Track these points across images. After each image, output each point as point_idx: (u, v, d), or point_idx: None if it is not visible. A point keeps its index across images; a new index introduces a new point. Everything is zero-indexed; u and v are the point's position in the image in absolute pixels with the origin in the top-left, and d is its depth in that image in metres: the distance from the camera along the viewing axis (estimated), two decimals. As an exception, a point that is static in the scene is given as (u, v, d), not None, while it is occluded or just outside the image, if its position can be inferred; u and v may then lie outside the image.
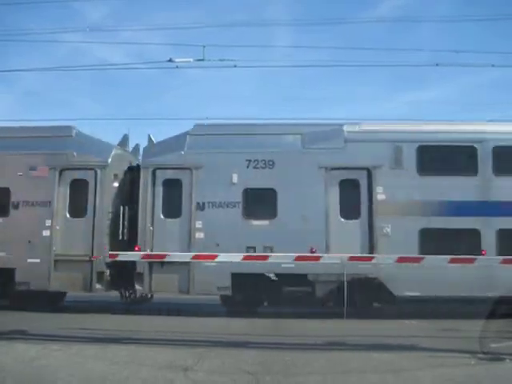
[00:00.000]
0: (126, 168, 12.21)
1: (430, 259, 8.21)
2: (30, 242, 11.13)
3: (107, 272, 11.16)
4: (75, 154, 11.54)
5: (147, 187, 11.31)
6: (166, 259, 9.89)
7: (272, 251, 9.78)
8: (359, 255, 9.59)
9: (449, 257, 7.52)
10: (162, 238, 11.08)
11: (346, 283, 10.00)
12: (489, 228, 10.65)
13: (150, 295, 12.24)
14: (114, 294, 12.17)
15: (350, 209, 11.06)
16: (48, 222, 11.28)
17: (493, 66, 12.24)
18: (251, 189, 11.15)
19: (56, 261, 11.12)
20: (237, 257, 8.52)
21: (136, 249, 10.63)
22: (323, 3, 35.82)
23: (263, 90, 42.95)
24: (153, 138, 12.29)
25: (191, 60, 12.15)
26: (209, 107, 36.73)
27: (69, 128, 12.07)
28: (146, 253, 10.48)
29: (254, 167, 11.19)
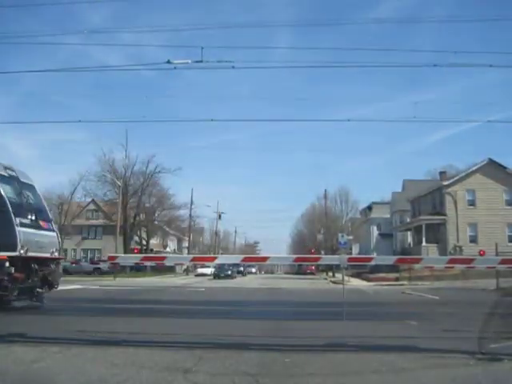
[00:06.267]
0: None
1: (429, 259, 8.24)
2: None
3: None
4: None
5: None
6: (164, 261, 9.92)
7: None
8: (359, 256, 9.57)
9: (448, 257, 7.53)
10: None
11: (344, 285, 10.03)
12: None
13: None
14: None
15: None
16: None
17: (491, 66, 12.28)
18: None
19: None
20: (236, 258, 8.52)
21: (135, 251, 10.57)
22: (322, 4, 35.94)
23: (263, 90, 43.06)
24: None
25: (189, 61, 12.18)
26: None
27: None
28: (144, 255, 10.46)
29: None
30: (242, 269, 54.12)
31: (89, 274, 42.70)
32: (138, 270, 43.74)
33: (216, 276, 43.11)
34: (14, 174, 12.37)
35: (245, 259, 8.45)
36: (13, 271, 10.70)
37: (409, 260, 8.11)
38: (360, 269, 37.82)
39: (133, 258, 9.94)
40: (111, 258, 9.63)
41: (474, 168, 41.16)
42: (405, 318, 10.20)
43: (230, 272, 43.88)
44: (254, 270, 75.80)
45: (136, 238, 57.27)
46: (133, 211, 54.51)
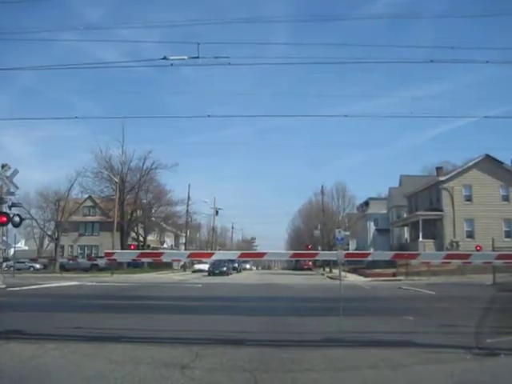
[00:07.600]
0: None
1: (426, 255, 8.26)
2: None
3: None
4: None
5: None
6: (161, 257, 9.92)
7: None
8: (356, 252, 9.59)
9: (445, 253, 7.55)
10: None
11: (341, 281, 10.05)
12: None
13: None
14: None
15: None
16: None
17: (487, 62, 12.29)
18: None
19: None
20: (233, 254, 8.52)
21: (132, 247, 10.57)
22: (319, 0, 35.91)
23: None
24: None
25: (186, 57, 12.13)
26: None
27: None
28: (141, 251, 10.46)
29: None
30: (236, 265, 53.79)
31: (86, 270, 42.67)
32: (135, 266, 43.69)
33: (211, 273, 42.20)
34: None
35: (242, 255, 8.45)
36: None
37: (406, 255, 8.12)
38: (357, 264, 37.91)
39: (130, 255, 9.97)
40: (108, 255, 9.63)
41: (470, 163, 41.29)
42: (402, 314, 10.22)
43: (225, 268, 43.18)
44: (248, 266, 75.41)
45: (133, 235, 57.20)
46: (130, 207, 54.42)
